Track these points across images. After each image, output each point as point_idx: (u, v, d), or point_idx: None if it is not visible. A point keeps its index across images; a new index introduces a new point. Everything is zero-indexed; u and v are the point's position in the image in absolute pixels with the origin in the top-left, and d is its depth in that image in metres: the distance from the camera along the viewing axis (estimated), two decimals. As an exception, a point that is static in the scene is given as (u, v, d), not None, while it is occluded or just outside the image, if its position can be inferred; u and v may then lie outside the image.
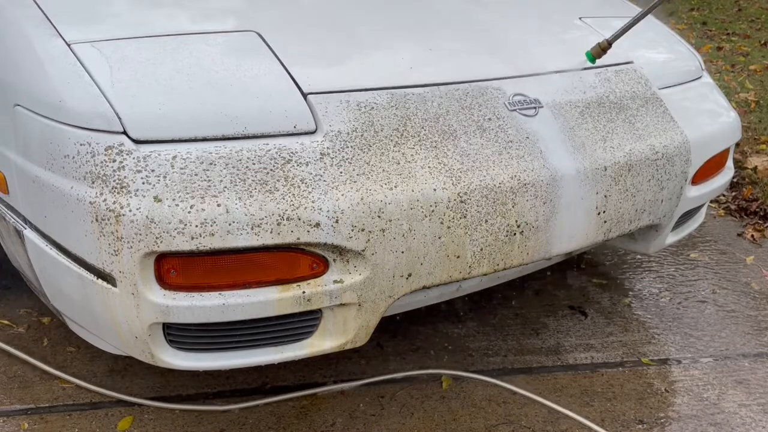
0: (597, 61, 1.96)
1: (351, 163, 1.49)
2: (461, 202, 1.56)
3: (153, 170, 1.38)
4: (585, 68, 1.97)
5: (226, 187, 1.39)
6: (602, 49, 1.89)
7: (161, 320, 1.44)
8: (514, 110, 1.73)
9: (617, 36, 1.87)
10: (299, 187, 1.43)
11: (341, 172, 1.47)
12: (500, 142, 1.67)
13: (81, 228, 1.41)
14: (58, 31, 1.56)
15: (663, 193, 1.93)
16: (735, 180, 3.49)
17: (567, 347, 2.25)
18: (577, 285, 2.60)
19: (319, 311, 1.54)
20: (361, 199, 1.46)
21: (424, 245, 1.54)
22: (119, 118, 1.42)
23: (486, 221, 1.60)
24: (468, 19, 2.06)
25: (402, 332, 2.24)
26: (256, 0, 1.92)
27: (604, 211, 1.80)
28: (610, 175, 1.78)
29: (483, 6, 2.20)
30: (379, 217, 1.47)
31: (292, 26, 1.80)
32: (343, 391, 1.99)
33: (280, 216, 1.39)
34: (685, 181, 1.99)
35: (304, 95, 1.55)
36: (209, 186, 1.38)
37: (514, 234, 1.65)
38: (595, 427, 1.88)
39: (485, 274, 1.68)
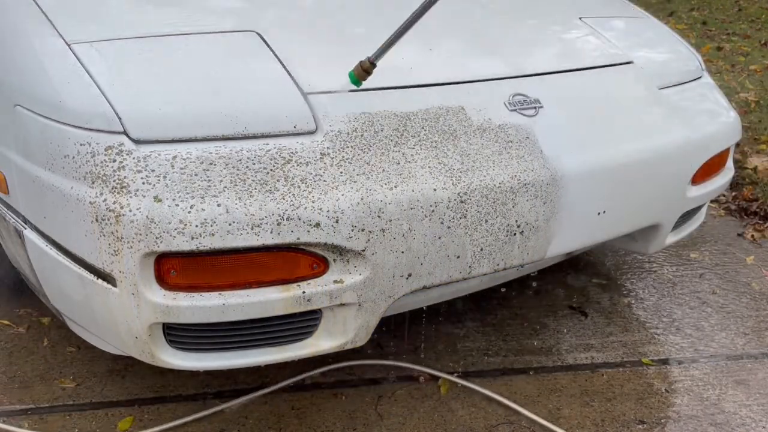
0: (589, 61, 1.95)
1: (351, 163, 1.49)
2: (461, 202, 1.56)
3: (153, 170, 1.38)
4: (585, 68, 1.97)
5: (226, 187, 1.39)
6: (364, 70, 1.55)
7: (161, 320, 1.44)
8: (514, 110, 1.73)
9: (381, 53, 1.54)
10: (299, 187, 1.43)
11: (341, 172, 1.47)
12: (500, 142, 1.67)
13: (81, 228, 1.41)
14: (58, 31, 1.56)
15: (663, 193, 1.93)
16: (735, 180, 3.49)
17: (567, 347, 2.25)
18: (577, 285, 2.60)
19: (319, 311, 1.54)
20: (361, 199, 1.46)
21: (424, 245, 1.54)
22: (119, 118, 1.41)
23: (486, 221, 1.60)
24: (468, 19, 2.06)
25: (402, 332, 2.24)
26: (256, 0, 1.92)
27: (603, 211, 1.79)
28: (610, 175, 1.78)
29: (483, 6, 2.20)
30: (379, 217, 1.47)
31: (292, 26, 1.80)
32: (343, 392, 2.00)
33: (280, 216, 1.39)
34: (685, 181, 1.99)
35: (304, 95, 1.55)
36: (209, 186, 1.38)
37: (514, 234, 1.65)
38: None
39: (485, 274, 1.68)
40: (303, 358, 1.60)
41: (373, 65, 1.54)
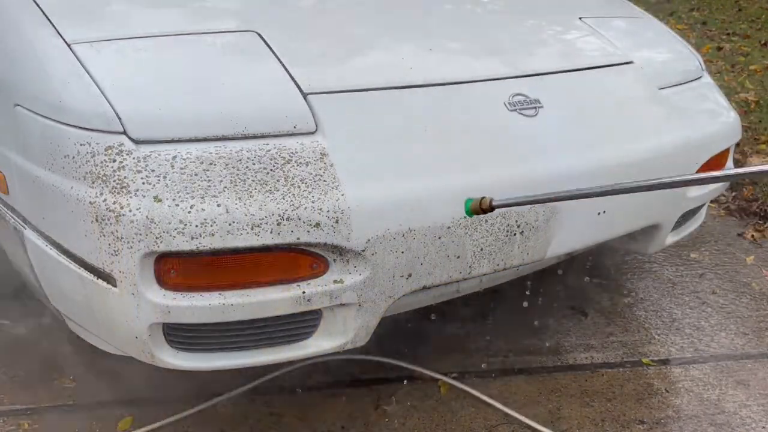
0: (590, 61, 1.94)
1: (351, 163, 1.49)
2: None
3: (153, 170, 1.38)
4: (585, 68, 1.97)
5: (226, 187, 1.39)
6: (482, 209, 1.52)
7: (161, 320, 1.43)
8: (514, 110, 1.73)
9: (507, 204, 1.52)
10: (299, 187, 1.43)
11: (341, 172, 1.47)
12: (500, 142, 1.66)
13: (81, 228, 1.41)
14: (58, 31, 1.56)
15: (663, 193, 1.93)
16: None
17: (567, 347, 2.25)
18: (577, 285, 2.59)
19: (319, 311, 1.54)
20: (362, 199, 1.45)
21: (424, 245, 1.54)
22: (119, 118, 1.41)
23: (486, 221, 1.60)
24: (468, 19, 2.06)
25: (402, 332, 2.24)
26: (256, 0, 1.92)
27: (604, 211, 1.79)
28: (610, 175, 1.78)
29: (483, 6, 2.20)
30: (379, 217, 1.47)
31: (292, 26, 1.80)
32: (343, 392, 2.00)
33: (280, 216, 1.39)
34: (686, 181, 1.98)
35: (304, 95, 1.55)
36: (209, 186, 1.38)
37: (514, 234, 1.65)
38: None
39: (485, 274, 1.67)
40: (303, 358, 1.60)
41: (492, 209, 1.51)
